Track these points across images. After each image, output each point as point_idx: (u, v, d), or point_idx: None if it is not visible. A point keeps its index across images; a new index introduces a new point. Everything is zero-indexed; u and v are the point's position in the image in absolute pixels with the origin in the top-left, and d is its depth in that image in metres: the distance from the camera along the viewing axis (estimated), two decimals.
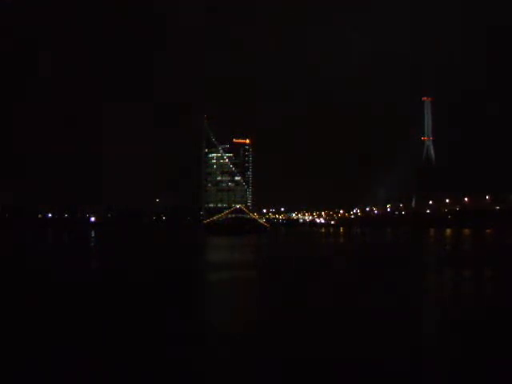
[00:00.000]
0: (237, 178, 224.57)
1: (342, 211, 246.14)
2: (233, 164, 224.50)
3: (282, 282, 25.50)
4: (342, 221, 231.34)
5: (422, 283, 24.93)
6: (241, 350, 12.19)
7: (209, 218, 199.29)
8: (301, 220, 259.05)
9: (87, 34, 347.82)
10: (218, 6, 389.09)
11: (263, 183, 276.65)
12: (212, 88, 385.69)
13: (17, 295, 20.63)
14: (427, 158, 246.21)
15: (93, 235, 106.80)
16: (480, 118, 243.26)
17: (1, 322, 15.25)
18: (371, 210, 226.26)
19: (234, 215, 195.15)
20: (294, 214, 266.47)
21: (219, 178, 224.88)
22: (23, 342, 12.66)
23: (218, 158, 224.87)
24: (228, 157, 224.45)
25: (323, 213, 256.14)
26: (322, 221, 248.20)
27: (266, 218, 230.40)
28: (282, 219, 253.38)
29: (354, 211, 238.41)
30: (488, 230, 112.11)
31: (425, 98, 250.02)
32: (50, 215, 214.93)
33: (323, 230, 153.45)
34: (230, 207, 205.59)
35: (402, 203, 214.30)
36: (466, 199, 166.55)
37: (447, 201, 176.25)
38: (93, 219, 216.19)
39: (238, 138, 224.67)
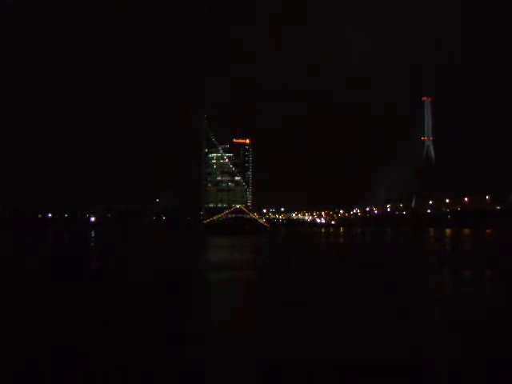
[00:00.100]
0: (237, 178, 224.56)
1: (341, 211, 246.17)
2: (233, 164, 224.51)
3: (282, 282, 25.50)
4: (342, 221, 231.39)
5: (422, 283, 24.92)
6: (241, 350, 12.20)
7: (209, 218, 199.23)
8: (301, 220, 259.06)
9: (87, 33, 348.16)
10: (218, 5, 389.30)
11: (263, 183, 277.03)
12: (212, 88, 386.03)
13: (17, 295, 20.62)
14: (427, 158, 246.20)
15: (93, 235, 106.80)
16: (480, 117, 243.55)
17: (1, 322, 15.25)
18: (371, 209, 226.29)
19: (234, 215, 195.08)
20: (294, 214, 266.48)
21: (219, 178, 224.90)
22: (23, 342, 12.66)
23: (218, 158, 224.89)
24: (228, 157, 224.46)
25: (323, 213, 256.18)
26: (323, 221, 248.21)
27: (266, 218, 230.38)
28: (282, 219, 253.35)
29: (354, 211, 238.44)
30: (488, 230, 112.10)
31: (425, 98, 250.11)
32: (50, 215, 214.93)
33: (323, 230, 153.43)
34: (230, 207, 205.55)
35: (402, 203, 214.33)
36: (466, 199, 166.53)
37: (447, 201, 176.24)
38: (93, 219, 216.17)
39: (238, 138, 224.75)
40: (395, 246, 63.65)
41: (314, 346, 12.37)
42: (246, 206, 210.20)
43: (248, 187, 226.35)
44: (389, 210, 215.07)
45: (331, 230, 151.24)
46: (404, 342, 12.82)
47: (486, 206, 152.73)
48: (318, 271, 30.55)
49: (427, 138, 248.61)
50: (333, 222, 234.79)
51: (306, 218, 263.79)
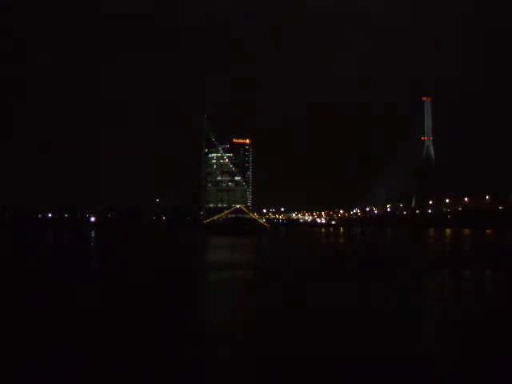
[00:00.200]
0: (237, 178, 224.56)
1: (342, 211, 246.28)
2: (233, 164, 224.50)
3: (282, 282, 25.50)
4: (342, 221, 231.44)
5: (422, 283, 24.93)
6: (240, 350, 12.20)
7: (209, 218, 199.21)
8: (301, 220, 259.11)
9: (87, 33, 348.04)
10: (218, 6, 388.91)
11: (263, 183, 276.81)
12: (212, 88, 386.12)
13: (17, 295, 20.62)
14: (427, 158, 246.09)
15: (93, 235, 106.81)
16: (480, 117, 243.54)
17: (1, 322, 15.25)
18: (371, 209, 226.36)
19: (234, 215, 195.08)
20: (294, 214, 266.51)
21: (219, 178, 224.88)
22: (23, 342, 12.66)
23: (218, 158, 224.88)
24: (228, 157, 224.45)
25: (323, 213, 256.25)
26: (323, 221, 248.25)
27: (266, 218, 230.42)
28: (282, 219, 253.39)
29: (354, 211, 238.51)
30: (488, 230, 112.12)
31: (425, 98, 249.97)
32: (50, 215, 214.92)
33: (323, 230, 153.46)
34: (230, 207, 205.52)
35: (402, 203, 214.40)
36: (466, 199, 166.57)
37: (447, 201, 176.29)
38: (93, 219, 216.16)
39: (238, 138, 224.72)
40: (395, 246, 63.65)
41: (314, 345, 12.37)
42: (246, 206, 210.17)
43: (248, 187, 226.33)
44: (389, 209, 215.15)
45: (331, 230, 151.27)
46: (404, 341, 12.82)
47: (486, 205, 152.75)
48: (317, 271, 30.54)
49: (427, 138, 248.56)
50: (333, 222, 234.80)
51: (306, 217, 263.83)
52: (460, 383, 10.01)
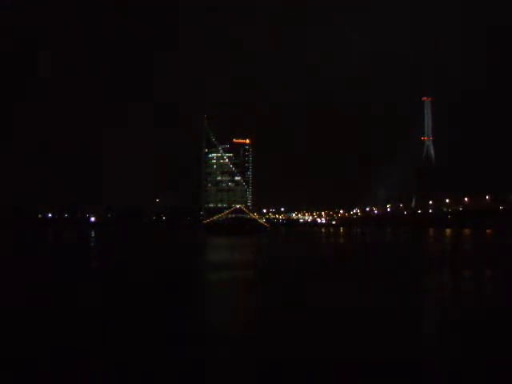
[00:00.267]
0: (237, 178, 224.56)
1: (342, 211, 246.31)
2: (233, 164, 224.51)
3: (282, 282, 25.49)
4: (342, 221, 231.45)
5: (422, 283, 24.92)
6: (240, 350, 12.19)
7: (209, 218, 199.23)
8: (301, 220, 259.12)
9: (87, 33, 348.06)
10: (218, 6, 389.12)
11: (263, 183, 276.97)
12: (212, 88, 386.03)
13: (17, 295, 20.62)
14: (427, 158, 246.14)
15: (93, 235, 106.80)
16: (480, 117, 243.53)
17: (1, 323, 15.25)
18: (371, 209, 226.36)
19: (234, 215, 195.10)
20: (294, 214, 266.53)
21: (219, 178, 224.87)
22: (24, 343, 12.66)
23: (218, 158, 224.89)
24: (228, 157, 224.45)
25: (323, 213, 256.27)
26: (323, 221, 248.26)
27: (266, 218, 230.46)
28: (282, 219, 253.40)
29: (354, 211, 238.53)
30: (488, 230, 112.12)
31: (425, 98, 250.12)
32: (50, 215, 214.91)
33: (323, 230, 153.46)
34: (230, 207, 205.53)
35: (402, 203, 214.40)
36: (466, 199, 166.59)
37: (447, 201, 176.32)
38: (93, 219, 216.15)
39: (238, 138, 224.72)
40: (395, 246, 63.65)
41: (314, 346, 12.37)
42: (246, 206, 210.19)
43: (248, 187, 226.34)
44: (389, 209, 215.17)
45: (331, 230, 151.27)
46: (404, 341, 12.82)
47: (486, 205, 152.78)
48: (317, 271, 30.54)
49: (427, 138, 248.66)
50: (334, 222, 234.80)
51: (306, 217, 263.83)
52: (460, 383, 10.01)
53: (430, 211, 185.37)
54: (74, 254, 49.61)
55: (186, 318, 15.76)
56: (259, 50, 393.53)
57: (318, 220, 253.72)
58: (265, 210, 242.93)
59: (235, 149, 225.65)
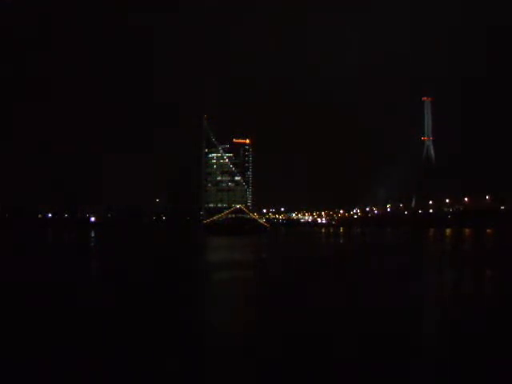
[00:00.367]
0: (237, 178, 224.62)
1: (341, 211, 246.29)
2: (233, 164, 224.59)
3: (282, 282, 25.50)
4: (343, 221, 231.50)
5: (422, 283, 24.91)
6: (240, 350, 12.19)
7: (209, 218, 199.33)
8: (302, 220, 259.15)
9: (87, 33, 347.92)
10: (218, 5, 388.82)
11: (263, 183, 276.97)
12: (212, 88, 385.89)
13: (17, 296, 20.61)
14: (427, 158, 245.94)
15: (93, 235, 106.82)
16: (480, 118, 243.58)
17: (1, 323, 15.25)
18: (371, 209, 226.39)
19: (234, 215, 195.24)
20: (294, 214, 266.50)
21: (219, 178, 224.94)
22: (25, 343, 12.66)
23: (218, 158, 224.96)
24: (228, 157, 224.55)
25: (323, 213, 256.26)
26: (324, 221, 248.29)
27: (266, 218, 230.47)
28: (282, 219, 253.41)
29: (354, 211, 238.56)
30: (488, 230, 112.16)
31: (425, 98, 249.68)
32: (50, 215, 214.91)
33: (323, 230, 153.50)
34: (230, 207, 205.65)
35: (402, 203, 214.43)
36: (466, 199, 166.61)
37: (447, 201, 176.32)
38: (93, 219, 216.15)
39: (238, 138, 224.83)
40: (395, 246, 63.64)
41: (314, 346, 12.36)
42: (246, 206, 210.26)
43: (248, 187, 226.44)
44: (389, 210, 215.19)
45: (331, 230, 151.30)
46: (404, 341, 12.82)
47: (486, 205, 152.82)
48: (318, 271, 30.54)
49: (427, 138, 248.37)
50: (333, 222, 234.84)
51: (306, 217, 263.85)
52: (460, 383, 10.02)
53: (431, 211, 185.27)
54: (74, 253, 49.59)
55: (185, 318, 15.76)
56: (259, 49, 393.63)
57: (319, 220, 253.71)
58: (265, 210, 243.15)
59: (235, 149, 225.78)
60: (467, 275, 28.13)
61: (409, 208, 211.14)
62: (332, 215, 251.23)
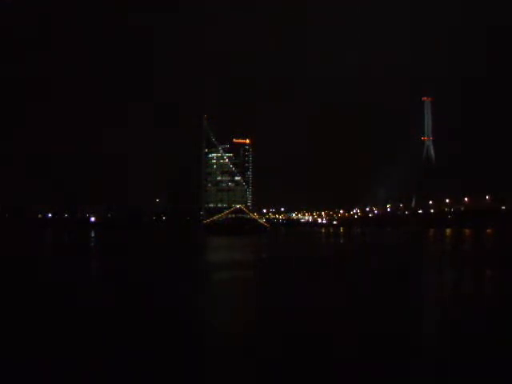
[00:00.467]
0: (237, 178, 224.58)
1: (342, 211, 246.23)
2: (233, 164, 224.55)
3: (282, 282, 25.49)
4: (343, 221, 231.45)
5: (422, 283, 24.91)
6: (240, 350, 12.19)
7: (209, 218, 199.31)
8: (302, 220, 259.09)
9: (87, 33, 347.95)
10: (218, 5, 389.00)
11: (263, 183, 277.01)
12: (212, 88, 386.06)
13: (17, 296, 20.61)
14: (427, 158, 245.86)
15: (93, 235, 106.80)
16: (480, 117, 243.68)
17: (1, 323, 15.25)
18: (371, 209, 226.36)
19: (234, 215, 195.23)
20: (293, 214, 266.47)
21: (219, 178, 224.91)
22: (25, 343, 12.66)
23: (218, 158, 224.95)
24: (228, 157, 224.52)
25: (323, 213, 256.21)
26: (324, 221, 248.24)
27: (266, 218, 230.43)
28: (282, 219, 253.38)
29: (354, 211, 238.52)
30: (488, 230, 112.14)
31: (425, 98, 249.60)
32: (50, 215, 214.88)
33: (323, 230, 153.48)
34: (230, 207, 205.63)
35: (402, 203, 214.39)
36: (466, 199, 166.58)
37: (447, 201, 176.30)
38: (93, 219, 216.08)
39: (238, 138, 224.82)
40: (395, 246, 63.63)
41: (314, 346, 12.36)
42: (246, 206, 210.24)
43: (248, 187, 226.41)
44: (389, 210, 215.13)
45: (331, 230, 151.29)
46: (404, 341, 12.82)
47: (486, 205, 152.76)
48: (318, 271, 30.54)
49: (427, 138, 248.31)
50: (334, 222, 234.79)
51: (306, 217, 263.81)
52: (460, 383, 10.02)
53: (432, 211, 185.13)
54: (74, 253, 49.58)
55: (185, 318, 15.75)
56: (259, 49, 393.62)
57: (319, 220, 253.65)
58: (265, 210, 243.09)
59: (235, 149, 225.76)
60: (467, 275, 28.13)
61: (409, 208, 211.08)
62: (332, 215, 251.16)
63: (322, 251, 54.56)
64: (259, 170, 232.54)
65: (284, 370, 10.51)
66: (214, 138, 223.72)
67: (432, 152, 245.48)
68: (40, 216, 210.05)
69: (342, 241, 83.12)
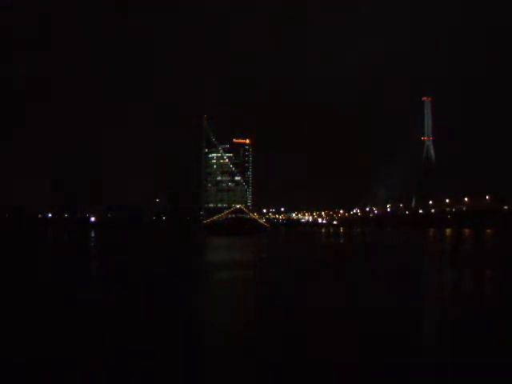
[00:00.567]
0: (237, 178, 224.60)
1: (341, 211, 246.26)
2: (233, 164, 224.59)
3: (282, 282, 25.49)
4: (343, 221, 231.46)
5: (422, 283, 24.91)
6: (240, 350, 12.19)
7: (209, 218, 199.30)
8: (302, 220, 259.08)
9: (87, 33, 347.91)
10: (218, 5, 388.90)
11: (263, 183, 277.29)
12: (212, 88, 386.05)
13: (17, 296, 20.61)
14: (427, 158, 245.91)
15: (93, 235, 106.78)
16: (480, 117, 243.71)
17: (1, 323, 15.25)
18: (371, 209, 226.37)
19: (234, 215, 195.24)
20: (293, 214, 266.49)
21: (219, 178, 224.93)
22: (25, 343, 12.66)
23: (218, 158, 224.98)
24: (228, 157, 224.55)
25: (323, 213, 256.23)
26: (324, 221, 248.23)
27: (266, 218, 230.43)
28: (282, 219, 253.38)
29: (354, 211, 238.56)
30: (488, 230, 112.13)
31: (425, 98, 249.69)
32: (50, 215, 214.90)
33: (323, 230, 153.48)
34: (230, 207, 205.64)
35: (402, 203, 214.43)
36: (466, 199, 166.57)
37: (447, 201, 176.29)
38: (93, 219, 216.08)
39: (238, 138, 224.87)
40: (395, 246, 63.62)
41: (314, 346, 12.36)
42: (246, 206, 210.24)
43: (248, 187, 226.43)
44: (389, 210, 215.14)
45: (331, 230, 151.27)
46: (404, 341, 12.82)
47: (486, 205, 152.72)
48: (318, 271, 30.53)
49: (427, 138, 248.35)
50: (335, 222, 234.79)
51: (306, 217, 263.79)
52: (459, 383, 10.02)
53: (433, 211, 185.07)
54: (74, 253, 49.57)
55: (185, 318, 15.75)
56: (259, 49, 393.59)
57: (319, 220, 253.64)
58: (265, 210, 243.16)
59: (235, 149, 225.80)
60: (467, 275, 28.13)
61: (409, 208, 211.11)
62: (332, 215, 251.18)
63: (322, 251, 54.54)
64: (259, 170, 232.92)
65: (284, 370, 10.52)
66: (214, 138, 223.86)
67: (432, 152, 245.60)
68: (40, 216, 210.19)
69: (341, 241, 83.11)
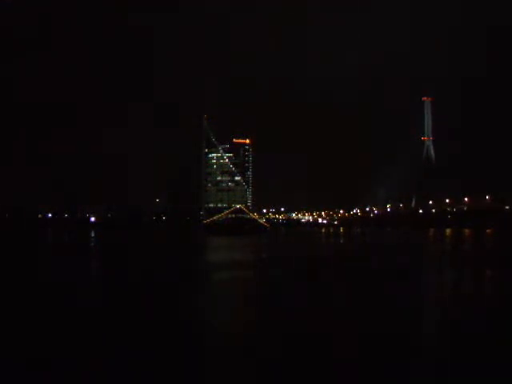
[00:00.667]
0: (237, 178, 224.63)
1: (341, 211, 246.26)
2: (233, 164, 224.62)
3: (282, 282, 25.49)
4: (343, 221, 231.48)
5: (422, 283, 24.91)
6: (240, 350, 12.18)
7: (209, 218, 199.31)
8: (302, 220, 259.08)
9: (87, 33, 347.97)
10: (218, 5, 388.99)
11: (263, 183, 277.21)
12: (212, 88, 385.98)
13: (17, 296, 20.61)
14: (427, 158, 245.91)
15: (93, 235, 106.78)
16: (480, 117, 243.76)
17: (1, 323, 15.25)
18: (371, 209, 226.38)
19: (234, 215, 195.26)
20: (293, 214, 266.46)
21: (219, 178, 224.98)
22: (25, 343, 12.66)
23: (218, 158, 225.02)
24: (228, 157, 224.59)
25: (323, 213, 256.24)
26: (324, 221, 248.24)
27: (266, 218, 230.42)
28: (282, 219, 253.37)
29: (354, 211, 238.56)
30: (488, 230, 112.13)
31: (425, 98, 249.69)
32: (50, 215, 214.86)
33: (323, 230, 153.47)
34: (230, 207, 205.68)
35: (402, 203, 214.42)
36: (466, 199, 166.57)
37: (447, 201, 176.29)
38: (93, 219, 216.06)
39: (238, 138, 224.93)
40: (395, 246, 63.62)
41: (314, 346, 12.36)
42: (246, 206, 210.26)
43: (248, 187, 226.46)
44: (389, 210, 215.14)
45: (331, 230, 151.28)
46: (404, 341, 12.81)
47: (486, 205, 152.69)
48: (318, 271, 30.53)
49: (427, 138, 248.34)
50: (335, 223, 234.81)
51: (306, 217, 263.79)
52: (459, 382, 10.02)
53: (433, 211, 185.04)
54: (74, 253, 49.57)
55: (185, 318, 15.75)
56: (259, 49, 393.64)
57: (319, 220, 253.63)
58: (265, 210, 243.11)
59: (235, 149, 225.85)
60: (467, 275, 28.13)
61: (409, 208, 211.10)
62: (332, 215, 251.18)
63: (322, 251, 54.54)
64: (259, 170, 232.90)
65: (284, 370, 10.52)
66: (214, 138, 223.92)
67: (432, 152, 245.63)
68: (40, 216, 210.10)
69: (342, 241, 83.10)
